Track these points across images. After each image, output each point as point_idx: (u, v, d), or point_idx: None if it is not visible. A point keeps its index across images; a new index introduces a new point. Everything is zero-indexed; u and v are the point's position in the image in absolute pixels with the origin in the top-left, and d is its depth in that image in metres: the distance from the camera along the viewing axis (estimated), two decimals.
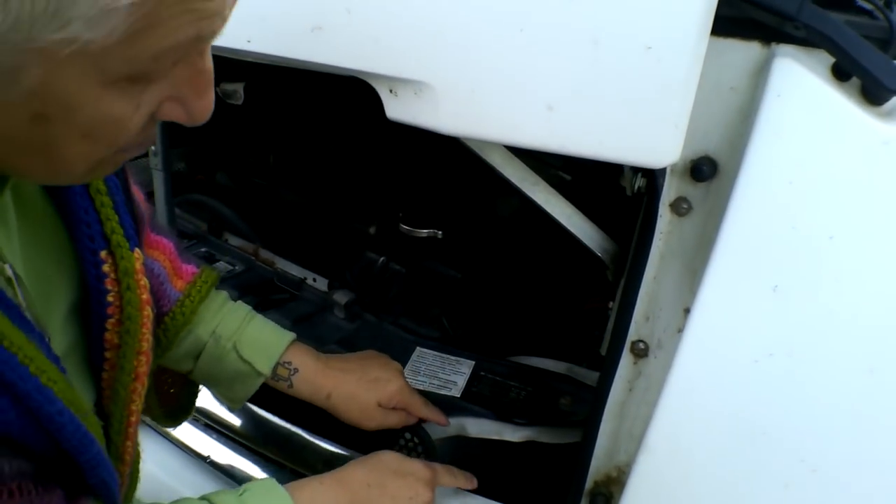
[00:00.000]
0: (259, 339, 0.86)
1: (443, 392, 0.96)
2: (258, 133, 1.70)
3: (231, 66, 0.99)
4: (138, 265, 0.64)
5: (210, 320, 0.85)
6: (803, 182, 0.63)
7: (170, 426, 1.03)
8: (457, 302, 1.11)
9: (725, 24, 0.63)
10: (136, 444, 0.70)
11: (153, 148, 1.40)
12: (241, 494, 0.69)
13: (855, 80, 0.63)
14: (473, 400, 0.95)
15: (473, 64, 0.65)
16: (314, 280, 1.26)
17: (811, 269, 0.64)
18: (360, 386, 0.89)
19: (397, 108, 0.72)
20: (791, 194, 0.63)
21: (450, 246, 1.15)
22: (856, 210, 0.62)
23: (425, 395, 0.95)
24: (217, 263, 1.31)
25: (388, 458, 0.81)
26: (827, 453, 0.66)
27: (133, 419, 0.66)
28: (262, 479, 0.73)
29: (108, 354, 0.63)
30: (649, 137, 0.62)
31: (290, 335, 0.88)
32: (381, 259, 1.09)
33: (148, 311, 0.65)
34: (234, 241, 1.45)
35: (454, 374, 0.98)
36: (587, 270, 1.04)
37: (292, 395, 0.88)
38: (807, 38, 0.63)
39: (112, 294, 0.62)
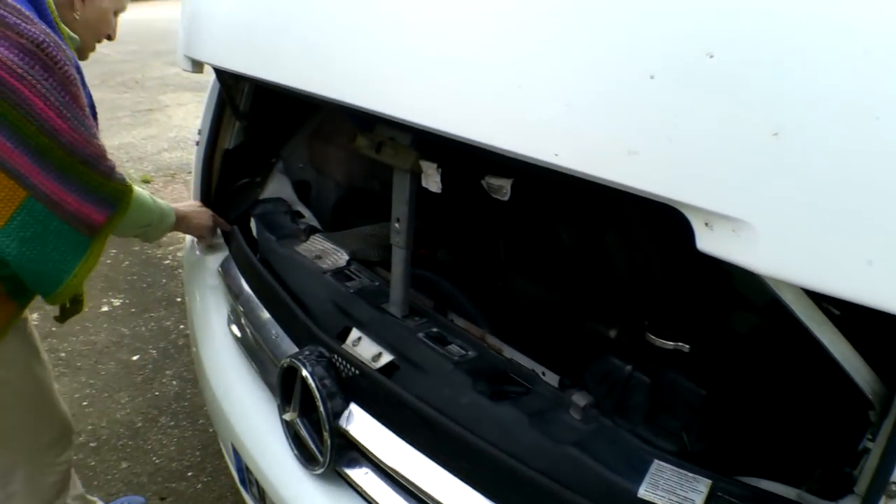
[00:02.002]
0: None
1: None
2: (491, 217, 1.82)
3: (504, 160, 1.00)
4: None
5: None
6: None
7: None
8: (700, 418, 1.17)
9: None
10: None
11: (396, 226, 1.53)
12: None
13: None
14: None
15: (801, 209, 0.67)
16: (543, 374, 1.35)
17: None
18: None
19: (710, 242, 0.74)
20: None
21: (696, 360, 1.21)
22: None
23: None
24: (449, 346, 1.42)
25: None
26: None
27: None
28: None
29: None
30: None
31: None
32: (628, 367, 1.17)
33: None
34: (459, 321, 1.56)
35: (692, 492, 1.04)
36: (839, 403, 1.06)
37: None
38: None
39: None
